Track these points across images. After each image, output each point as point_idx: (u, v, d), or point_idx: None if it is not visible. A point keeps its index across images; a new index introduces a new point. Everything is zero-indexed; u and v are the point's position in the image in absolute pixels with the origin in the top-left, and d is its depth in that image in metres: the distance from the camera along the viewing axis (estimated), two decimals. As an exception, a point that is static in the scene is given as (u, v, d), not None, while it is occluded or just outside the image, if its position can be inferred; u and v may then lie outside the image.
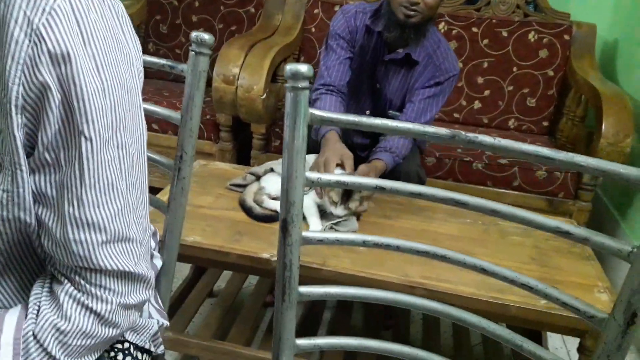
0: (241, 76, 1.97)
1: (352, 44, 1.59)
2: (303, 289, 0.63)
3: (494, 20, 2.34)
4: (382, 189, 0.60)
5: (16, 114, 0.46)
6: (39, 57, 0.44)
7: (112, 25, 0.51)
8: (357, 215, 1.35)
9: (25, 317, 0.53)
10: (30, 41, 0.44)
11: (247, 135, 2.16)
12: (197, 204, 1.34)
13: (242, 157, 2.24)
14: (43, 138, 0.48)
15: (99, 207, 0.51)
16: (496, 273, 0.63)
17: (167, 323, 0.73)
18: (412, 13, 1.43)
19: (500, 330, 0.68)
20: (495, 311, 1.12)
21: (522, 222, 0.58)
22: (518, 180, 1.98)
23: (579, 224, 1.87)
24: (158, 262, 0.74)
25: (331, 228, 1.30)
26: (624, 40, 2.33)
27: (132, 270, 0.55)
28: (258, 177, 1.43)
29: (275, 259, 1.17)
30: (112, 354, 0.64)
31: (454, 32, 2.34)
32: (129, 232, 0.54)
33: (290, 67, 0.55)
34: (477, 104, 2.38)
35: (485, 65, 2.35)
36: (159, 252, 0.77)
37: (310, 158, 1.46)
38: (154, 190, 0.80)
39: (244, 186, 1.44)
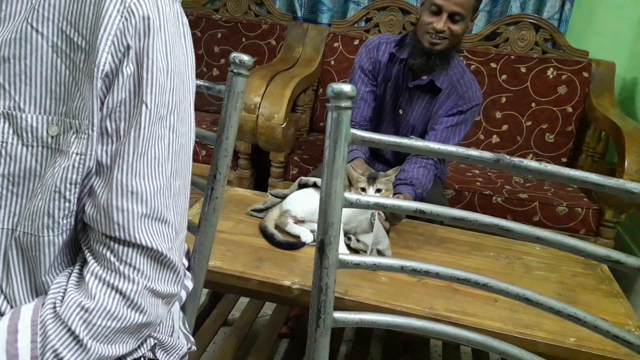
0: (262, 105, 1.99)
1: (374, 75, 1.61)
2: (338, 315, 0.61)
3: (512, 57, 2.36)
4: (422, 212, 0.59)
5: (100, 78, 0.51)
6: (128, 28, 0.51)
7: (179, 27, 0.57)
8: (387, 231, 1.34)
9: (43, 304, 0.54)
10: (122, 16, 0.51)
11: (265, 164, 2.16)
12: (218, 228, 1.32)
13: (260, 185, 2.24)
14: (109, 102, 0.52)
15: (144, 178, 0.54)
16: (541, 303, 0.61)
17: (194, 347, 0.71)
18: (438, 41, 1.46)
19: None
20: (523, 347, 1.08)
21: (568, 249, 0.57)
22: (538, 215, 1.96)
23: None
24: (189, 284, 0.73)
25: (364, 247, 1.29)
26: (643, 79, 2.34)
27: (164, 252, 0.56)
28: (281, 199, 1.42)
29: (296, 286, 1.16)
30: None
31: (472, 67, 2.36)
32: (167, 214, 0.56)
33: (334, 86, 0.55)
34: (495, 139, 2.38)
35: (504, 100, 2.36)
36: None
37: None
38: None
39: (265, 211, 1.43)
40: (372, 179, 1.34)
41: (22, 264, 0.56)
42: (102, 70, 0.51)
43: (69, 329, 0.52)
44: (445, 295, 1.18)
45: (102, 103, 0.53)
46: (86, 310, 0.53)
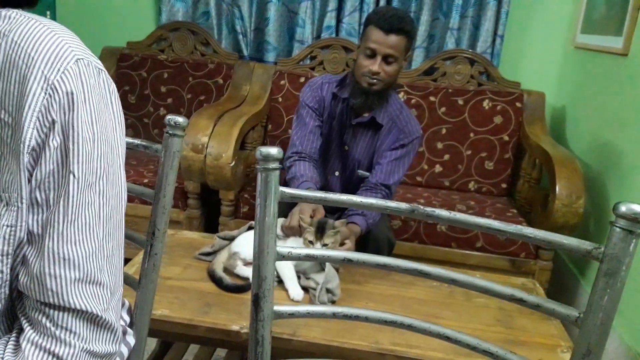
0: (210, 145, 2.01)
1: (320, 112, 1.67)
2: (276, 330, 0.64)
3: (450, 90, 2.48)
4: (349, 261, 0.62)
5: (27, 152, 0.53)
6: (52, 104, 0.53)
7: (105, 95, 0.59)
8: (337, 269, 1.38)
9: None
10: (45, 93, 0.53)
11: (215, 202, 2.17)
12: (165, 275, 1.33)
13: (210, 224, 2.24)
14: (37, 174, 0.54)
15: (75, 244, 0.55)
16: (459, 340, 0.66)
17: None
18: (374, 81, 1.54)
19: None
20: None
21: (480, 290, 0.62)
22: (481, 241, 2.04)
23: (541, 283, 1.92)
24: (131, 340, 0.74)
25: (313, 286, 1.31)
26: (570, 107, 2.50)
27: (100, 314, 0.57)
28: (229, 241, 1.44)
29: (245, 330, 1.17)
30: None
31: (413, 100, 2.47)
32: (101, 276, 0.58)
33: (262, 149, 0.59)
34: (438, 168, 2.48)
35: (444, 131, 2.47)
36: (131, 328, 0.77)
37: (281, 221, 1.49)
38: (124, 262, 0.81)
39: (213, 254, 1.44)
40: (320, 234, 1.37)
41: None
42: (29, 146, 0.53)
43: None
44: (389, 328, 1.22)
45: (31, 175, 0.54)
46: None
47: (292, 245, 1.39)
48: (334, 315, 0.65)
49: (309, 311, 0.65)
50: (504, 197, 2.42)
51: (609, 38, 2.11)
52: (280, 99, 2.53)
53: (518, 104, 2.43)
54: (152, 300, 0.79)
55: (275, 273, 1.34)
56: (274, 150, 0.59)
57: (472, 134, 2.45)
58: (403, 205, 0.62)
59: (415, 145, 1.68)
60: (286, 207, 1.61)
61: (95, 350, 0.58)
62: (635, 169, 1.82)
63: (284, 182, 1.91)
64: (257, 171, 0.60)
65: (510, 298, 0.61)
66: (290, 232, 1.44)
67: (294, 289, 1.29)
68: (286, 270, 1.33)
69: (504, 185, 2.45)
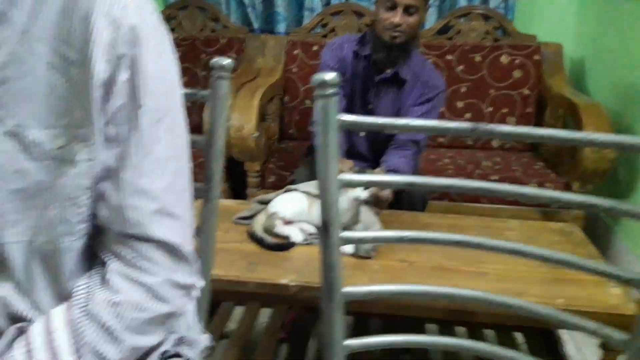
0: (232, 117, 2.01)
1: (342, 72, 1.66)
2: (348, 289, 0.65)
3: (466, 47, 2.45)
4: (412, 185, 0.63)
5: (98, 86, 0.54)
6: (117, 39, 0.54)
7: (164, 33, 0.59)
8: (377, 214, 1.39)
9: (71, 306, 0.56)
10: (109, 28, 0.53)
11: (240, 174, 2.18)
12: (207, 239, 1.34)
13: (237, 196, 2.25)
14: (108, 108, 0.55)
15: (150, 176, 0.57)
16: (534, 253, 0.66)
17: (212, 343, 0.74)
18: (397, 34, 1.53)
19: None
20: (515, 313, 1.14)
21: (534, 257, 0.62)
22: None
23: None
24: (200, 283, 0.75)
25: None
26: (589, 56, 2.47)
27: (179, 245, 0.59)
28: (265, 204, 1.45)
29: (294, 283, 1.18)
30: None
31: (429, 60, 2.44)
32: (176, 210, 0.59)
33: (316, 77, 0.59)
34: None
35: (463, 89, 2.44)
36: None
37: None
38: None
39: (250, 218, 1.45)
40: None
41: (44, 272, 0.57)
42: (100, 79, 0.53)
43: (102, 323, 0.55)
44: (435, 274, 1.23)
45: (102, 110, 0.55)
46: (115, 304, 0.55)
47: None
48: (401, 239, 0.65)
49: (376, 237, 0.65)
50: (529, 152, 2.41)
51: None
52: (294, 70, 2.51)
53: (536, 57, 2.40)
54: (214, 246, 0.80)
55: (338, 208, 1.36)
56: (329, 76, 0.59)
57: (492, 90, 2.42)
58: (464, 125, 0.62)
59: (441, 98, 1.67)
60: (311, 170, 1.62)
61: (176, 280, 0.59)
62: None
63: (309, 149, 1.91)
64: (315, 99, 0.60)
65: (567, 263, 0.61)
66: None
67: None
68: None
69: (527, 140, 2.43)
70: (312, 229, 1.40)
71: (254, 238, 1.37)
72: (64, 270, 0.57)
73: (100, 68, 0.53)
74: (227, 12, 2.72)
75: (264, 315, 1.75)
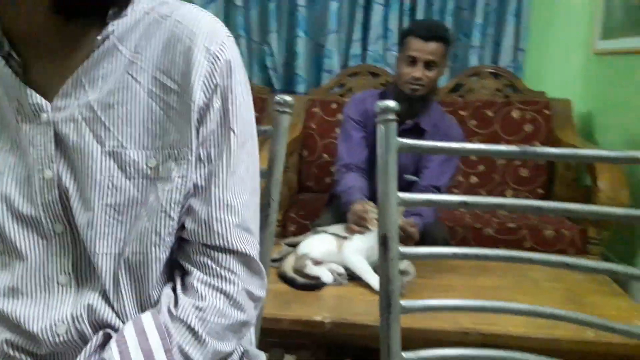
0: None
1: (364, 124, 1.76)
2: (405, 303, 0.69)
3: (478, 103, 2.57)
4: (465, 204, 0.68)
5: (196, 111, 0.61)
6: (215, 70, 0.61)
7: (245, 71, 0.67)
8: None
9: (159, 311, 0.61)
10: (208, 61, 0.61)
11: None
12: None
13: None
14: (203, 132, 0.61)
15: (235, 194, 0.63)
16: (539, 312, 0.70)
17: (266, 360, 0.77)
18: (417, 87, 1.63)
19: None
20: (548, 347, 1.16)
21: (561, 266, 0.67)
22: (529, 241, 2.08)
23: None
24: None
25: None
26: (597, 111, 2.58)
27: (254, 257, 0.65)
28: (294, 247, 1.50)
29: (328, 320, 1.21)
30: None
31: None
32: (251, 225, 0.65)
33: (380, 104, 0.67)
34: (473, 179, 2.53)
35: (476, 142, 2.54)
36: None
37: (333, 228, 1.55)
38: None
39: (279, 260, 1.49)
40: None
41: (131, 282, 0.62)
42: (197, 105, 0.61)
43: (188, 326, 0.59)
44: (463, 311, 1.26)
45: (197, 133, 0.62)
46: (200, 309, 0.60)
47: (359, 242, 1.45)
48: (466, 256, 0.70)
49: (432, 252, 0.70)
50: (542, 200, 2.45)
51: (631, 40, 2.20)
52: (313, 126, 2.62)
53: (546, 111, 2.51)
54: (269, 265, 0.84)
55: (355, 262, 1.40)
56: (391, 104, 0.67)
57: (504, 143, 2.51)
58: (513, 148, 0.69)
59: None
60: (339, 215, 1.68)
61: (251, 291, 0.64)
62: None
63: (331, 197, 1.98)
64: (377, 124, 0.68)
65: (598, 270, 0.66)
66: (356, 222, 1.50)
67: (375, 280, 1.34)
68: (360, 265, 1.38)
69: (540, 191, 2.49)
70: (341, 270, 1.44)
71: (284, 279, 1.41)
72: (150, 279, 0.63)
73: (198, 96, 0.61)
74: (249, 75, 2.88)
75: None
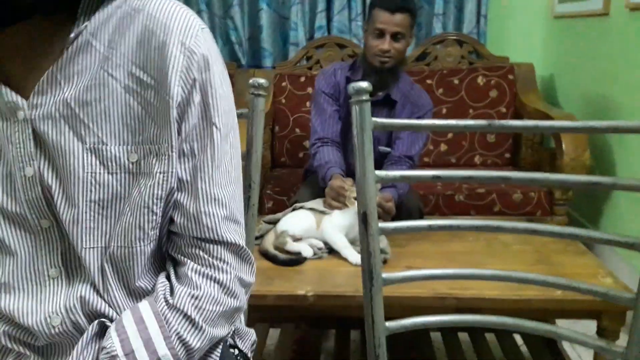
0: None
1: (336, 97, 1.77)
2: (387, 275, 0.72)
3: (444, 71, 2.60)
4: (438, 178, 0.71)
5: (174, 107, 0.60)
6: (191, 64, 0.61)
7: (223, 61, 0.67)
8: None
9: (156, 300, 0.62)
10: (184, 56, 0.60)
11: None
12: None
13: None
14: (185, 127, 0.61)
15: (222, 187, 0.64)
16: (510, 277, 0.74)
17: (256, 339, 0.80)
18: (386, 59, 1.65)
19: (547, 326, 0.79)
20: (519, 307, 1.23)
21: (527, 232, 0.71)
22: (498, 205, 2.15)
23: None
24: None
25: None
26: (558, 73, 2.64)
27: (244, 246, 0.66)
28: (273, 224, 1.51)
29: (311, 293, 1.25)
30: (232, 355, 0.70)
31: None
32: (238, 216, 0.66)
33: (353, 85, 0.68)
34: (443, 147, 2.59)
35: (444, 111, 2.58)
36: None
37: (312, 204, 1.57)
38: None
39: (260, 238, 1.51)
40: None
41: (117, 274, 0.63)
42: (176, 100, 0.61)
43: (185, 314, 0.61)
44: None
45: (179, 128, 0.62)
46: (196, 298, 0.62)
47: (338, 219, 1.48)
48: (430, 227, 0.73)
49: (409, 226, 0.73)
50: (510, 166, 2.54)
51: (587, 2, 2.25)
52: (283, 100, 2.62)
53: (510, 77, 2.56)
54: (253, 247, 0.86)
55: (334, 238, 1.43)
56: (364, 84, 0.68)
57: (471, 110, 2.57)
58: (480, 122, 0.71)
59: (429, 116, 1.78)
60: (317, 190, 1.70)
61: (243, 278, 0.66)
62: (632, 116, 1.95)
63: (306, 172, 1.99)
64: (352, 105, 0.69)
65: (581, 237, 0.70)
66: (335, 198, 1.52)
67: (353, 255, 1.37)
68: (339, 240, 1.41)
69: (507, 155, 2.56)
70: (321, 244, 1.47)
71: (266, 256, 1.43)
72: (135, 272, 0.64)
73: (176, 91, 0.60)
74: (214, 50, 2.83)
75: (273, 337, 1.79)
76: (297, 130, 2.59)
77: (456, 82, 2.58)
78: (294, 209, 1.55)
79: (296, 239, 1.44)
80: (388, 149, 1.78)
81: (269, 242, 1.46)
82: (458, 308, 1.24)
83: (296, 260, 1.39)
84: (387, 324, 0.74)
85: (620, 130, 0.70)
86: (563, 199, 2.10)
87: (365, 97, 0.68)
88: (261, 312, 1.45)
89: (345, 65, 1.81)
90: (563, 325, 1.89)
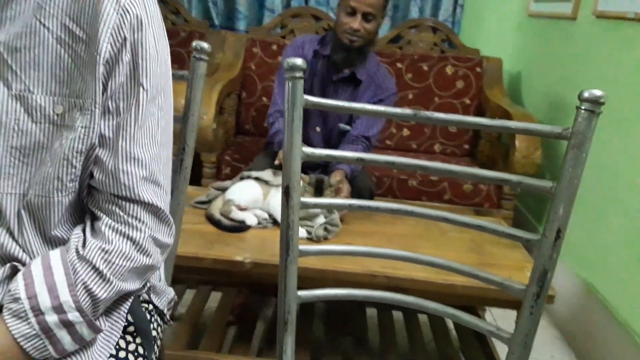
0: (191, 108, 2.08)
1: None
2: (302, 247, 0.75)
3: (415, 57, 2.62)
4: (361, 160, 0.74)
5: (102, 64, 0.61)
6: (123, 24, 0.62)
7: (161, 23, 0.68)
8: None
9: (67, 250, 0.64)
10: (117, 14, 0.62)
11: (194, 166, 2.23)
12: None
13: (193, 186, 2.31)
14: (111, 85, 0.63)
15: (143, 147, 0.65)
16: (438, 264, 0.79)
17: (176, 298, 0.82)
18: (355, 38, 1.66)
19: (447, 308, 0.84)
20: (445, 291, 1.28)
21: (458, 223, 0.75)
22: (448, 194, 2.21)
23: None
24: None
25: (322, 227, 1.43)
26: (525, 70, 2.70)
27: (162, 208, 0.68)
28: (222, 191, 1.53)
29: (248, 260, 1.28)
30: (143, 310, 0.73)
31: (383, 65, 2.59)
32: (160, 178, 0.68)
33: (288, 60, 0.70)
34: (405, 132, 2.63)
35: (411, 96, 2.61)
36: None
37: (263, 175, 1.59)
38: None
39: (208, 203, 1.53)
40: (318, 193, 1.50)
41: (33, 221, 0.65)
42: (104, 57, 0.61)
43: (94, 266, 0.63)
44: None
45: (105, 85, 0.63)
46: (106, 252, 0.64)
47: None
48: (350, 206, 0.76)
49: (331, 202, 0.76)
50: (467, 157, 2.60)
51: (559, 4, 2.29)
52: (253, 67, 2.60)
53: (478, 69, 2.60)
54: (183, 211, 0.88)
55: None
56: (299, 61, 0.70)
57: (436, 98, 2.60)
58: (407, 111, 0.74)
59: (392, 100, 1.81)
60: (270, 160, 1.72)
61: (158, 238, 0.68)
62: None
63: (267, 144, 2.01)
64: (286, 80, 0.71)
65: (486, 229, 0.74)
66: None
67: (301, 231, 1.40)
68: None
69: (466, 146, 2.62)
70: (265, 215, 1.49)
71: (211, 220, 1.45)
72: (51, 221, 0.65)
73: (105, 48, 0.61)
74: (188, 7, 2.78)
75: (214, 300, 1.83)
76: (264, 99, 2.59)
77: (425, 68, 2.61)
78: (241, 178, 1.56)
79: (242, 209, 1.47)
80: (348, 127, 1.80)
81: (215, 208, 1.48)
82: (388, 286, 1.29)
83: (239, 227, 1.42)
84: (299, 293, 0.78)
85: (511, 130, 0.74)
86: (511, 194, 2.18)
87: (299, 74, 0.70)
88: (200, 275, 1.48)
89: (315, 38, 1.81)
90: (497, 315, 1.99)
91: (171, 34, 2.64)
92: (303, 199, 0.73)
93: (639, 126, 1.68)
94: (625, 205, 1.70)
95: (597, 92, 0.63)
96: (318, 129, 1.86)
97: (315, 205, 0.75)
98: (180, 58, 2.66)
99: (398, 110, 0.73)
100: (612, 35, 1.91)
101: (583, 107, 0.64)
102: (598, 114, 0.64)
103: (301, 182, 1.49)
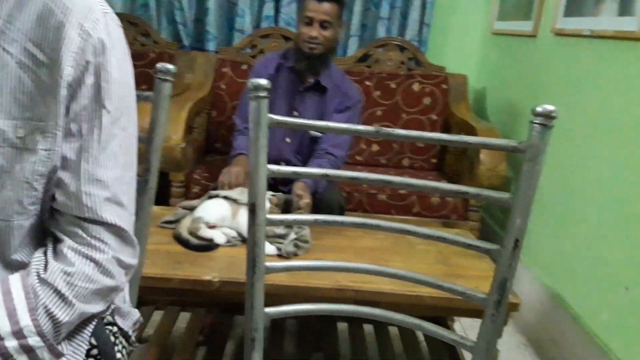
0: (160, 127, 2.07)
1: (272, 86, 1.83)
2: (269, 264, 0.76)
3: (383, 75, 2.67)
4: (326, 176, 0.76)
5: (64, 87, 0.62)
6: (87, 47, 0.63)
7: (125, 47, 0.69)
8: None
9: (28, 274, 0.63)
10: (80, 37, 0.62)
11: (162, 186, 2.22)
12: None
13: (159, 205, 2.28)
14: (74, 107, 0.63)
15: (106, 168, 0.65)
16: (407, 277, 0.81)
17: (142, 319, 0.81)
18: (314, 46, 1.76)
19: (413, 319, 0.86)
20: (413, 302, 1.30)
21: (424, 236, 0.78)
22: (417, 207, 2.25)
23: (472, 241, 2.15)
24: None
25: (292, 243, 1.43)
26: (490, 86, 2.78)
27: (125, 229, 0.68)
28: (189, 210, 1.53)
29: (217, 279, 1.27)
30: (107, 332, 0.72)
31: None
32: (123, 199, 0.68)
33: (252, 80, 0.71)
34: (374, 147, 2.66)
35: (379, 113, 2.66)
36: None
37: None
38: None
39: (175, 222, 1.52)
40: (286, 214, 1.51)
41: None
42: (66, 80, 0.62)
43: (56, 289, 0.62)
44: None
45: (67, 108, 0.63)
46: (68, 274, 0.63)
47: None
48: (316, 222, 0.78)
49: (296, 219, 0.77)
50: (435, 171, 2.65)
51: (520, 23, 2.38)
52: (223, 86, 2.61)
53: (444, 86, 2.66)
54: (149, 229, 0.88)
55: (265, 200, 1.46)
56: (263, 82, 0.72)
57: (404, 115, 2.66)
58: (369, 128, 0.77)
59: (358, 107, 1.89)
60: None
61: (122, 259, 0.68)
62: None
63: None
64: (250, 100, 0.72)
65: (448, 240, 0.77)
66: (227, 181, 1.63)
67: (270, 249, 1.40)
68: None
69: (434, 160, 2.67)
70: (234, 234, 1.49)
71: (179, 240, 1.44)
72: (11, 245, 0.65)
73: (68, 71, 0.62)
74: (158, 29, 2.78)
75: (182, 320, 1.81)
76: (233, 118, 2.59)
77: (393, 86, 2.66)
78: (210, 197, 1.57)
79: (210, 227, 1.46)
80: (319, 134, 1.84)
81: (183, 227, 1.47)
82: (356, 300, 1.30)
83: (208, 246, 1.41)
84: (267, 309, 0.78)
85: (470, 145, 0.78)
86: (477, 206, 2.23)
87: (263, 93, 0.72)
88: (168, 295, 1.47)
89: (276, 54, 1.89)
90: (466, 324, 2.02)
91: (141, 55, 2.64)
92: (269, 216, 0.74)
93: (597, 137, 1.75)
94: (585, 213, 1.76)
95: (549, 107, 0.66)
96: (288, 139, 1.88)
97: (281, 222, 0.76)
98: (150, 78, 2.63)
99: (361, 127, 0.75)
100: (570, 51, 1.99)
101: (536, 122, 0.68)
102: (550, 128, 0.68)
103: (268, 203, 1.51)
